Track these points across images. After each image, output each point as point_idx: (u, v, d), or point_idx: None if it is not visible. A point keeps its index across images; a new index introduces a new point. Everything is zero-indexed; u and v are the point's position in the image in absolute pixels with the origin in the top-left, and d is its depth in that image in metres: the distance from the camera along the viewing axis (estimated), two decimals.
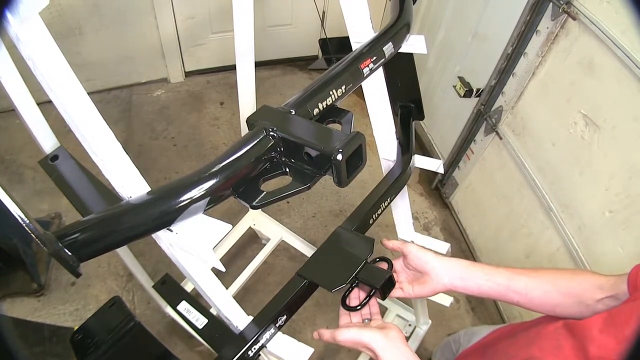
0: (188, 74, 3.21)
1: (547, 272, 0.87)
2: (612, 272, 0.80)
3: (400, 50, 0.95)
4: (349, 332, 0.81)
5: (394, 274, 0.95)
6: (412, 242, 0.95)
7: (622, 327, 0.62)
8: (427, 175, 2.77)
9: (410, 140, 1.20)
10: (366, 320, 0.90)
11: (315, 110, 0.73)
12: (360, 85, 0.98)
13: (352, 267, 0.86)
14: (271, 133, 0.66)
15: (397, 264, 0.98)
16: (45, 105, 0.88)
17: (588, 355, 0.64)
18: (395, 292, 0.94)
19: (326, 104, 0.75)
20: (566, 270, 0.91)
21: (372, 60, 0.84)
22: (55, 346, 1.47)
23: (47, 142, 1.02)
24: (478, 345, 1.07)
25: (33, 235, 0.51)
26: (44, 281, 2.04)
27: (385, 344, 0.77)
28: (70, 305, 2.03)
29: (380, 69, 1.02)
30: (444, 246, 1.22)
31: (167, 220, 0.60)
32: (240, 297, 2.04)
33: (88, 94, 0.60)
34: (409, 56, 1.18)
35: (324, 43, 3.21)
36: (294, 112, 0.70)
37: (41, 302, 2.03)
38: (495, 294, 0.87)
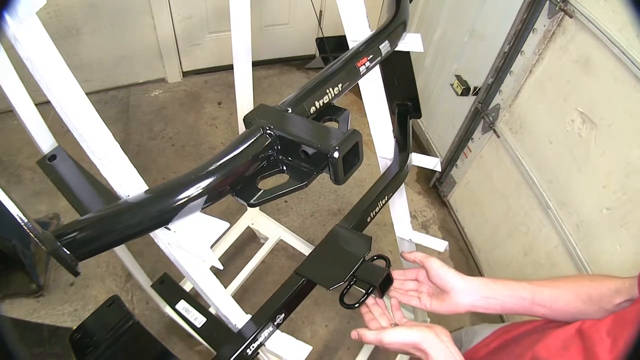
0: (185, 74, 3.21)
1: (567, 281, 0.86)
2: (610, 270, 0.80)
3: (397, 49, 0.95)
4: (397, 332, 0.78)
5: (417, 283, 0.95)
6: (435, 258, 0.93)
7: (630, 328, 0.62)
8: (425, 174, 2.77)
9: (407, 139, 1.20)
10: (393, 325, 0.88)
11: (312, 109, 0.74)
12: (358, 84, 0.98)
13: (349, 265, 0.86)
14: (268, 131, 0.66)
15: (421, 275, 0.96)
16: (43, 106, 0.88)
17: (596, 357, 0.64)
18: (412, 301, 0.93)
19: (323, 103, 0.75)
20: (585, 276, 0.91)
21: (368, 58, 0.84)
22: (55, 346, 1.47)
23: (45, 142, 1.02)
24: (481, 344, 1.07)
25: (31, 235, 0.51)
26: (43, 282, 2.04)
27: (436, 344, 0.75)
28: (69, 306, 2.03)
29: (377, 68, 1.02)
30: (442, 244, 1.22)
31: (165, 218, 0.61)
32: (239, 297, 2.04)
33: (86, 94, 0.60)
34: (406, 54, 1.18)
35: (321, 42, 3.21)
36: (290, 111, 0.70)
37: (40, 302, 2.03)
38: (520, 309, 0.85)
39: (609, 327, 0.65)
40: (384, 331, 0.79)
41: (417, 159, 1.20)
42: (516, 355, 0.82)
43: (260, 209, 2.17)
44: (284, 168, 0.69)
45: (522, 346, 0.83)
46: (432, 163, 1.20)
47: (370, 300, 0.93)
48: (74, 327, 0.85)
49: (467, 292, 0.85)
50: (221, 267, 0.66)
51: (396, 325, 0.88)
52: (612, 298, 0.79)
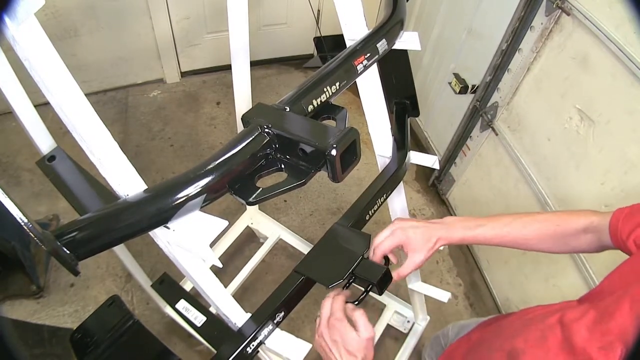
0: (184, 74, 3.21)
1: (535, 218, 0.92)
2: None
3: (394, 47, 0.95)
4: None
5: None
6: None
7: (608, 320, 0.63)
8: (424, 172, 2.77)
9: (405, 137, 1.20)
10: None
11: (310, 107, 0.74)
12: (356, 83, 0.98)
13: (348, 262, 0.87)
14: (266, 130, 0.66)
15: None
16: (42, 107, 0.89)
17: (573, 345, 0.64)
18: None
19: (320, 101, 0.76)
20: (556, 212, 0.95)
21: (365, 57, 0.84)
22: (55, 347, 1.47)
23: (44, 143, 1.02)
24: (464, 338, 1.07)
25: (31, 235, 0.51)
26: (43, 283, 2.04)
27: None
28: (70, 307, 2.04)
29: (375, 66, 1.02)
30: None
31: (164, 217, 0.61)
32: (239, 296, 2.05)
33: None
34: (404, 53, 1.19)
35: (318, 41, 3.21)
36: (288, 109, 0.70)
37: (40, 304, 2.03)
38: (485, 242, 0.93)
39: (591, 322, 0.66)
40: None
41: (416, 157, 1.20)
42: (495, 348, 0.82)
43: (259, 209, 2.18)
44: (282, 166, 0.70)
45: (501, 338, 0.84)
46: (431, 161, 1.20)
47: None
48: (75, 328, 0.85)
49: (428, 238, 0.92)
50: (220, 265, 0.66)
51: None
52: (578, 235, 0.86)
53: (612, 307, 0.64)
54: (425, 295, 1.66)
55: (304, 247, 2.06)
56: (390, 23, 0.93)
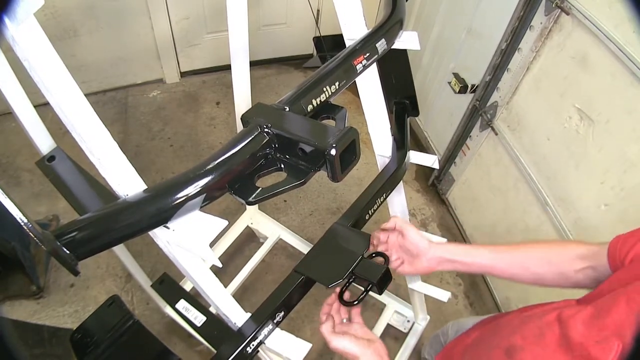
0: (183, 75, 3.21)
1: (529, 246, 0.94)
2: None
3: (393, 47, 0.95)
4: (344, 342, 0.86)
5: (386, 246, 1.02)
6: (412, 225, 1.01)
7: (604, 316, 0.63)
8: (424, 172, 2.78)
9: (405, 137, 1.21)
10: (344, 320, 0.93)
11: (309, 107, 0.74)
12: (355, 83, 0.98)
13: (348, 262, 0.87)
14: (265, 130, 0.66)
15: (391, 239, 1.04)
16: (42, 107, 0.89)
17: (570, 341, 0.65)
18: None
19: (320, 101, 0.76)
20: (552, 241, 0.96)
21: (365, 56, 0.84)
22: (55, 348, 1.47)
23: (44, 143, 1.02)
24: (463, 336, 1.08)
25: (31, 235, 0.51)
26: (43, 283, 2.04)
27: (366, 358, 0.84)
28: (70, 307, 2.04)
29: (375, 66, 1.02)
30: (441, 241, 1.22)
31: (163, 217, 0.61)
32: (239, 296, 2.05)
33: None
34: (403, 53, 1.19)
35: (318, 41, 3.21)
36: (288, 109, 0.70)
37: (40, 304, 2.03)
38: (480, 271, 0.97)
39: (587, 317, 0.67)
40: (335, 337, 0.87)
41: (415, 157, 1.20)
42: (494, 345, 0.83)
43: (259, 209, 2.18)
44: (282, 166, 0.70)
45: (499, 336, 0.84)
46: (430, 160, 1.20)
47: (335, 305, 0.95)
48: (75, 328, 0.85)
49: (434, 257, 0.97)
50: (220, 265, 0.66)
51: (349, 321, 0.94)
52: (572, 263, 0.86)
53: (608, 304, 0.65)
54: (425, 295, 1.66)
55: (304, 247, 2.06)
56: (390, 23, 0.93)
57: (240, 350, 0.82)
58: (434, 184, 2.69)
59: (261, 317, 0.86)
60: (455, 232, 2.51)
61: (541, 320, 0.75)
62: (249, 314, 0.87)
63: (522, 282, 0.94)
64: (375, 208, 1.08)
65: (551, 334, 0.70)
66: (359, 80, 1.02)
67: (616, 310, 0.62)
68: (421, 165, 1.22)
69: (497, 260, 0.94)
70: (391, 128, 1.16)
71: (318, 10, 3.11)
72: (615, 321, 0.61)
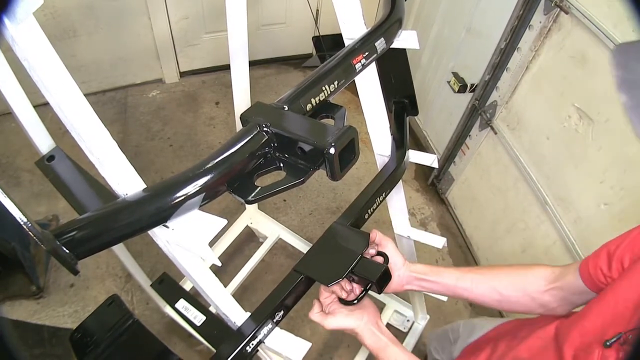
0: (183, 75, 3.21)
1: (494, 268, 0.97)
2: None
3: (392, 46, 0.95)
4: (337, 320, 0.89)
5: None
6: (391, 240, 1.00)
7: (583, 322, 0.65)
8: (423, 171, 2.78)
9: (404, 136, 1.20)
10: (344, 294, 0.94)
11: (308, 106, 0.74)
12: (355, 82, 0.98)
13: (348, 261, 0.87)
14: (265, 129, 0.66)
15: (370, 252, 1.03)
16: (41, 107, 0.89)
17: (562, 354, 0.67)
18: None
19: (319, 100, 0.76)
20: (517, 265, 0.99)
21: (364, 55, 0.84)
22: (55, 347, 1.48)
23: (44, 143, 1.02)
24: (483, 340, 1.09)
25: (31, 234, 0.51)
26: (43, 283, 2.04)
27: (366, 329, 0.89)
28: (70, 307, 2.04)
29: (374, 65, 1.02)
30: (441, 241, 1.23)
31: (163, 216, 0.61)
32: (239, 296, 2.05)
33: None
34: (402, 52, 1.19)
35: (317, 41, 3.21)
36: (287, 108, 0.70)
37: (40, 304, 2.03)
38: (446, 292, 0.99)
39: (578, 326, 0.68)
40: (326, 318, 0.90)
41: (415, 156, 1.20)
42: (499, 355, 0.84)
43: (258, 208, 2.18)
44: (281, 165, 0.70)
45: (511, 344, 0.85)
46: (429, 160, 1.20)
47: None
48: (74, 328, 0.85)
49: (404, 276, 0.98)
50: (220, 264, 0.66)
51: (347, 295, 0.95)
52: (537, 284, 0.88)
53: (587, 309, 0.66)
54: (424, 295, 1.66)
55: (304, 247, 2.06)
56: (389, 22, 0.93)
57: (240, 350, 0.82)
58: (433, 184, 2.70)
59: (261, 317, 0.86)
60: (454, 232, 2.51)
61: (544, 331, 0.76)
62: (249, 314, 0.87)
63: (489, 306, 0.96)
64: (374, 207, 1.08)
65: (551, 347, 0.71)
66: (358, 79, 1.02)
67: (595, 312, 0.64)
68: (421, 165, 1.22)
69: (463, 279, 0.96)
70: (390, 127, 1.16)
71: (317, 10, 3.11)
72: (595, 324, 0.63)
